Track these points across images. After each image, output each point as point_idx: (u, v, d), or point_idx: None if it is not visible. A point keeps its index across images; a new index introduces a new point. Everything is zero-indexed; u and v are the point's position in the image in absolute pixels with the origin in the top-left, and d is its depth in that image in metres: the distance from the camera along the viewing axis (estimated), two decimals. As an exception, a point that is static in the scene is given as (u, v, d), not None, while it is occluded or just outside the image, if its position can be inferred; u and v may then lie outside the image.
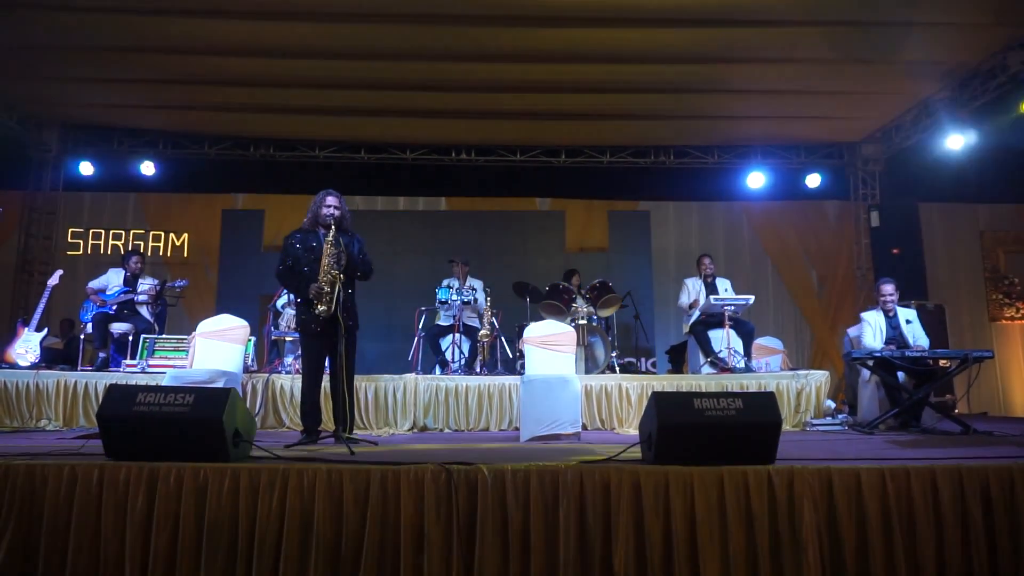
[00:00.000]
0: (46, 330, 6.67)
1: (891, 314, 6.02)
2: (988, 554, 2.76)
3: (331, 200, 4.39)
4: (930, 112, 8.54)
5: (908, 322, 5.99)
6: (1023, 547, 2.76)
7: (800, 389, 5.83)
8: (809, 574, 2.66)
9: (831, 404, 6.08)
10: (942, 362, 5.93)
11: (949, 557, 2.74)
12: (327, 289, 4.15)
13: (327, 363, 4.46)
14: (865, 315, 6.16)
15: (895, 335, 5.96)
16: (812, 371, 6.01)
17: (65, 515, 2.76)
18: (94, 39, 7.00)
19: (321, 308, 4.14)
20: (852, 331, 6.88)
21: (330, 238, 4.24)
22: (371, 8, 6.51)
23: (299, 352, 4.97)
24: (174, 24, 6.73)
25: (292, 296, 4.49)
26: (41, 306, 6.65)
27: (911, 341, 5.87)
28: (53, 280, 6.82)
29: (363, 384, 5.80)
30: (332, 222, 4.30)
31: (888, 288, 6.03)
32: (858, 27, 6.71)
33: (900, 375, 5.76)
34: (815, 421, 5.68)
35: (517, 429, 5.26)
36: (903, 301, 6.20)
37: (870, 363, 5.69)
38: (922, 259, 8.75)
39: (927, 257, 8.94)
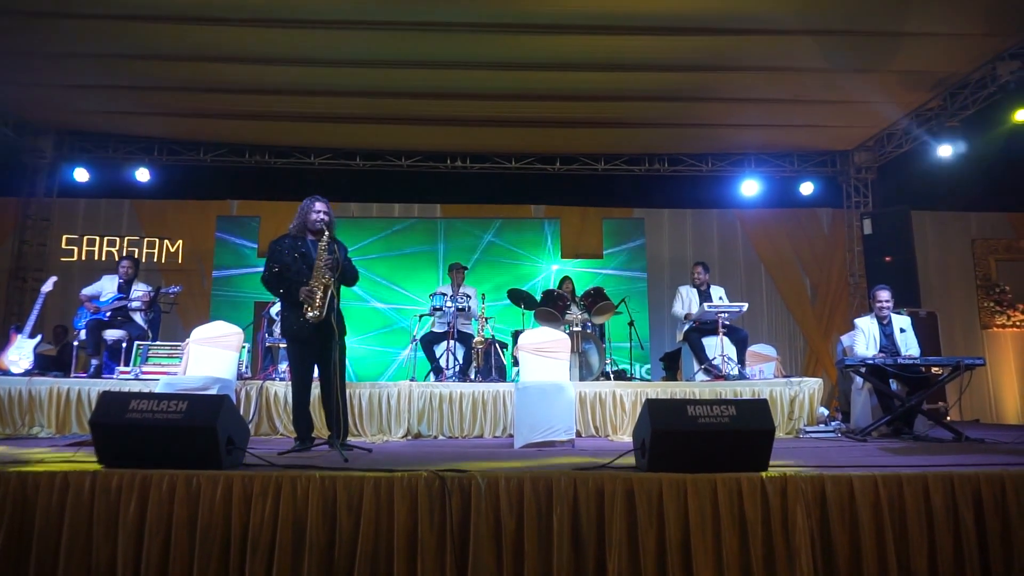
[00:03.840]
0: (39, 337, 6.62)
1: (885, 321, 6.06)
2: (980, 561, 2.77)
3: (320, 206, 4.37)
4: (922, 121, 8.62)
5: (902, 331, 6.03)
6: (1015, 554, 2.77)
7: (793, 396, 5.84)
8: (802, 581, 2.67)
9: (824, 411, 6.09)
10: (934, 369, 5.97)
11: (941, 564, 2.76)
12: (319, 294, 4.14)
13: (316, 370, 4.44)
14: (859, 321, 6.21)
15: (888, 343, 6.00)
16: (805, 378, 6.02)
17: (57, 522, 2.75)
18: (90, 45, 7.00)
19: (311, 314, 4.11)
20: (845, 338, 6.91)
21: (323, 244, 4.23)
22: (367, 16, 6.53)
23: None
24: (169, 31, 6.74)
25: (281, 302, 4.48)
26: (35, 313, 6.61)
27: (903, 350, 5.91)
28: (47, 287, 6.78)
29: (357, 390, 5.78)
30: (323, 227, 4.30)
31: (884, 295, 6.08)
32: (851, 36, 6.76)
33: (893, 382, 5.79)
34: (808, 428, 5.69)
35: (511, 436, 5.26)
36: (897, 308, 6.24)
37: (863, 370, 5.72)
38: (914, 267, 8.76)
39: (919, 265, 8.96)
